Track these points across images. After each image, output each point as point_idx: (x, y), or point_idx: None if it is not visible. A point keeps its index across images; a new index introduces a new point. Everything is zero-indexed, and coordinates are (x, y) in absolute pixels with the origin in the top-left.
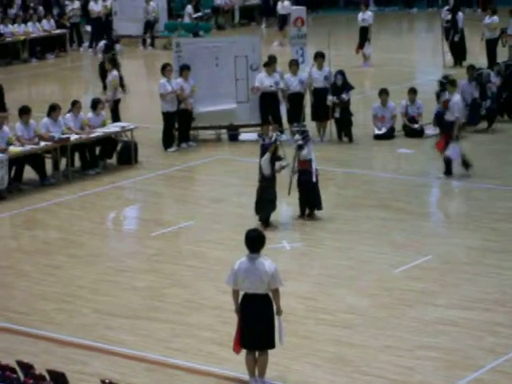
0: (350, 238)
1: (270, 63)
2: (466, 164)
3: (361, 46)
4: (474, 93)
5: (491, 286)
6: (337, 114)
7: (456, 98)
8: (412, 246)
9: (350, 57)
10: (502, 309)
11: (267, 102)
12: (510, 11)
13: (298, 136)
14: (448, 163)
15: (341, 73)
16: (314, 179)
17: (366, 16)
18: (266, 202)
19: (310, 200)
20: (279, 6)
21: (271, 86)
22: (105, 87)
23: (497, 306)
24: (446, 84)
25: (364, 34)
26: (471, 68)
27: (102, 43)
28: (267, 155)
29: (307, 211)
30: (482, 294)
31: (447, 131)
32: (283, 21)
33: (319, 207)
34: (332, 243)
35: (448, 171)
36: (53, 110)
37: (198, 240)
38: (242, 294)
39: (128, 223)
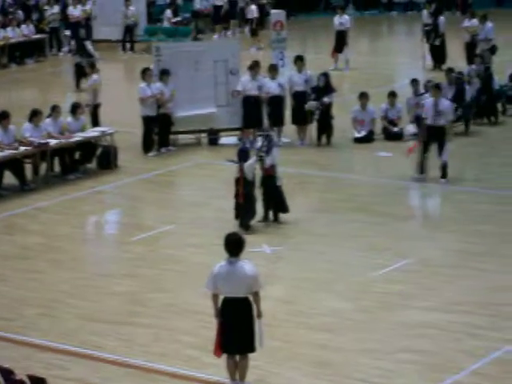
0: (329, 242)
1: (254, 66)
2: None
3: (336, 49)
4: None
5: (471, 289)
6: (316, 117)
7: (446, 102)
8: (392, 248)
9: (329, 60)
10: (482, 311)
11: (250, 106)
12: (482, 16)
13: (259, 146)
14: (444, 167)
15: (324, 75)
16: (278, 183)
17: (342, 20)
18: (247, 207)
19: (274, 204)
20: (247, 10)
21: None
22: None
23: (477, 308)
24: (431, 88)
25: (341, 38)
26: (450, 71)
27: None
28: (253, 160)
29: (271, 216)
30: (463, 296)
31: (429, 135)
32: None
33: (285, 210)
34: (312, 246)
35: (444, 175)
36: (34, 115)
37: (178, 244)
38: (221, 298)
39: (108, 228)
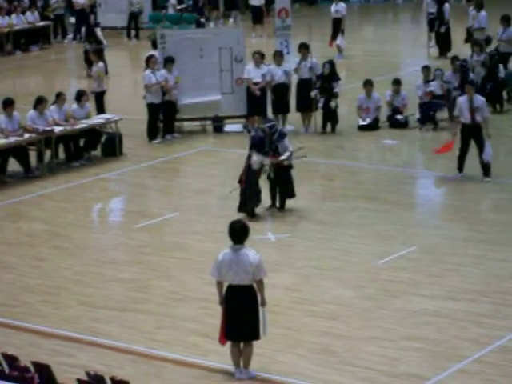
0: (334, 229)
1: (254, 55)
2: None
3: (334, 37)
4: (455, 83)
5: (476, 277)
6: (321, 104)
7: (481, 98)
8: (397, 236)
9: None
10: (486, 299)
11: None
12: (477, 4)
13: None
14: (486, 165)
15: (330, 62)
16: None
17: (339, 7)
18: (252, 194)
19: (282, 190)
20: None
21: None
22: (89, 74)
23: (481, 296)
24: (467, 86)
25: (337, 26)
26: (455, 59)
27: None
28: (262, 156)
29: (278, 203)
30: (467, 284)
31: (466, 134)
32: (257, 13)
33: (292, 195)
34: (317, 234)
35: (486, 173)
36: (39, 103)
37: (182, 231)
38: (226, 285)
39: (113, 215)
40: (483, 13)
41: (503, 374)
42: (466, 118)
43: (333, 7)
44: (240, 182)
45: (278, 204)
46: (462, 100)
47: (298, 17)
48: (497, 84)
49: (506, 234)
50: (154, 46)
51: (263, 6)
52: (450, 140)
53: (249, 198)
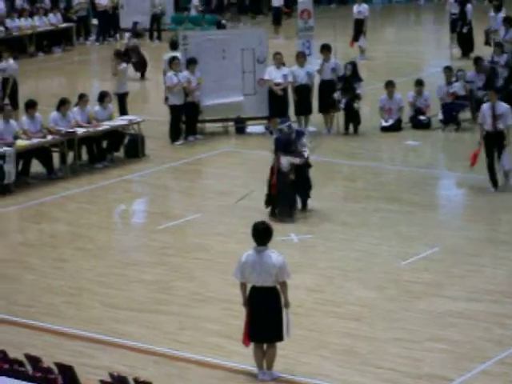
0: (357, 231)
1: (275, 55)
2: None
3: (355, 38)
4: (479, 83)
5: (499, 278)
6: (342, 105)
7: (504, 105)
8: (419, 237)
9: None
10: (509, 300)
11: (276, 94)
12: (495, 6)
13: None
14: (507, 175)
15: (352, 64)
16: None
17: (361, 8)
18: (281, 197)
19: (301, 190)
20: None
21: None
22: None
23: (504, 297)
24: (490, 93)
25: (359, 27)
26: (478, 60)
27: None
28: (291, 156)
29: (300, 204)
30: (490, 285)
31: (489, 141)
32: (277, 14)
33: (308, 196)
34: (339, 235)
35: (507, 177)
36: (62, 105)
37: (205, 233)
38: (249, 286)
39: (135, 216)
40: (501, 14)
41: None
42: (488, 125)
43: (355, 8)
44: (270, 186)
45: (299, 205)
46: (485, 107)
47: (321, 18)
48: None
49: None
50: (173, 47)
51: (283, 6)
52: (476, 149)
53: (283, 202)
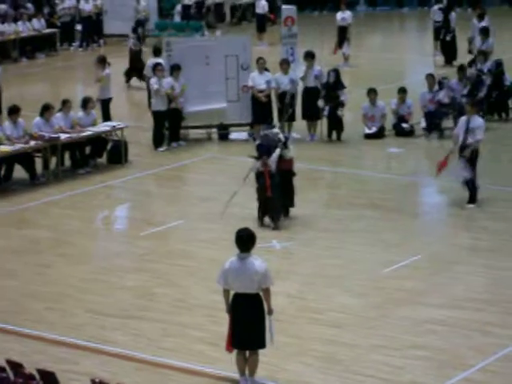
0: (340, 238)
1: (258, 61)
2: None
3: (339, 45)
4: (463, 91)
5: (481, 286)
6: (326, 113)
7: (479, 120)
8: (402, 245)
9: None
10: (491, 308)
11: (259, 101)
12: (478, 15)
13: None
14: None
15: (335, 71)
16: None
17: (345, 15)
18: (276, 200)
19: (285, 198)
20: (257, 4)
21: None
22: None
23: (487, 305)
24: (467, 105)
25: (343, 34)
26: (461, 68)
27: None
28: (276, 153)
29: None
30: (472, 293)
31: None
32: (261, 21)
33: (292, 204)
34: (322, 242)
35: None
36: (46, 110)
37: (188, 239)
38: (232, 293)
39: (118, 222)
40: (483, 23)
41: (508, 383)
42: (460, 137)
43: (339, 15)
44: (259, 190)
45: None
46: (462, 119)
47: (304, 25)
48: (503, 92)
49: (509, 243)
50: (156, 53)
51: (267, 13)
52: (444, 158)
53: (275, 205)
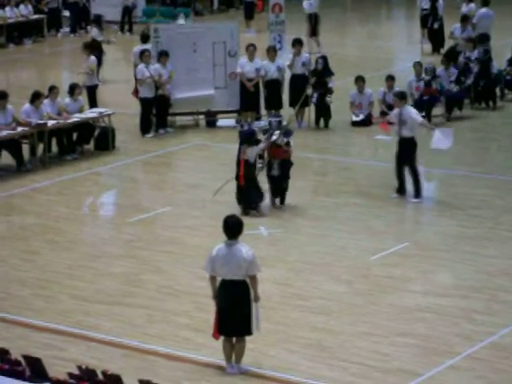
0: (327, 225)
1: (248, 47)
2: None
3: (313, 33)
4: (452, 77)
5: (468, 273)
6: (313, 100)
7: (410, 111)
8: (389, 232)
9: (330, 44)
10: (478, 295)
11: (247, 88)
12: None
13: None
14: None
15: (323, 58)
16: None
17: (311, 1)
18: (255, 189)
19: (284, 186)
20: None
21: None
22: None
23: (473, 292)
24: (395, 99)
25: (313, 21)
26: (449, 55)
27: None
28: (260, 146)
29: (278, 201)
30: (459, 280)
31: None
32: (249, 8)
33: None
34: (309, 230)
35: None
36: (37, 98)
37: (175, 226)
38: (219, 280)
39: (105, 209)
40: (466, 9)
41: (494, 370)
42: (396, 130)
43: (305, 3)
44: (237, 178)
45: (278, 201)
46: (393, 113)
47: (292, 12)
48: (490, 80)
49: (496, 231)
50: (144, 40)
51: (255, 0)
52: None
53: (253, 194)
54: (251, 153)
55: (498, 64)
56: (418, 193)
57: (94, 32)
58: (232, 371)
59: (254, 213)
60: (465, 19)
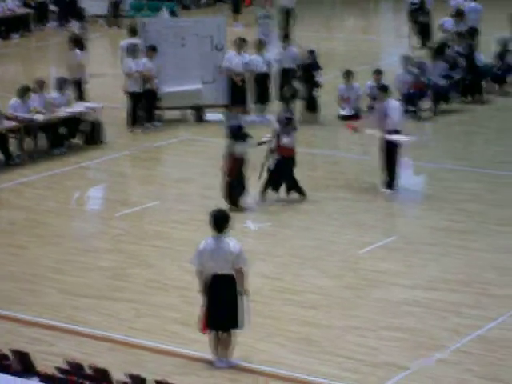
0: (315, 219)
1: (236, 41)
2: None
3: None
4: (442, 72)
5: (456, 267)
6: (303, 94)
7: (394, 103)
8: (377, 226)
9: (318, 38)
10: (466, 289)
11: (235, 82)
12: None
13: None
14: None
15: (311, 52)
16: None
17: None
18: (236, 184)
19: (286, 183)
20: None
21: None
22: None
23: (461, 286)
24: (378, 92)
25: (289, 17)
26: (437, 49)
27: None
28: (250, 142)
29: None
30: (447, 274)
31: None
32: (237, 2)
33: (302, 193)
34: (298, 224)
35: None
36: (25, 92)
37: (162, 220)
38: (208, 274)
39: (93, 203)
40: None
41: (482, 363)
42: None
43: None
44: (226, 172)
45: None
46: (377, 107)
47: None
48: (477, 74)
49: (484, 224)
50: (132, 34)
51: None
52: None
53: (236, 189)
54: (239, 148)
55: (487, 58)
56: (391, 184)
57: (75, 26)
58: (221, 365)
59: (240, 207)
60: (459, 14)
